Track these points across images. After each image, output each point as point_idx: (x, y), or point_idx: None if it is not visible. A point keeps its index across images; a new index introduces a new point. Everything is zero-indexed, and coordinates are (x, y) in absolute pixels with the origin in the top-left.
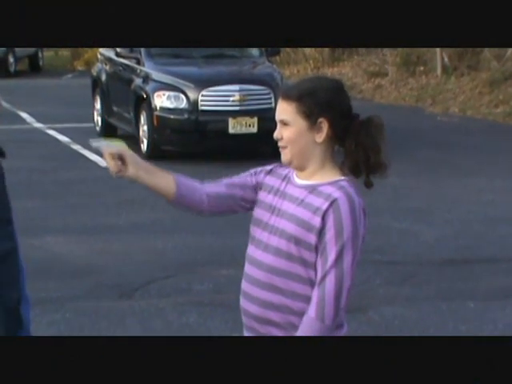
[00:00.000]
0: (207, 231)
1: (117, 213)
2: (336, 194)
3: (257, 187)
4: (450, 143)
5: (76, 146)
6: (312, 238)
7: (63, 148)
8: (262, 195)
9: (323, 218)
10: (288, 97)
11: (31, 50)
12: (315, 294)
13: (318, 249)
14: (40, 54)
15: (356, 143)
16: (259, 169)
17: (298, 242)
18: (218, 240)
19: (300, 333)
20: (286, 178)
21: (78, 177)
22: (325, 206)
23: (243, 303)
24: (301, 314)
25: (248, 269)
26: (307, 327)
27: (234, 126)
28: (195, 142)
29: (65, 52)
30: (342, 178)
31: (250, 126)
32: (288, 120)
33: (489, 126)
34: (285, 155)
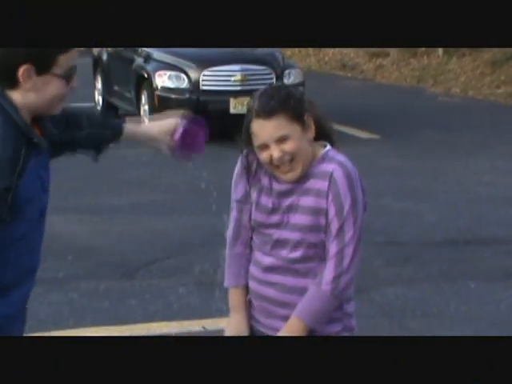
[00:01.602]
0: (208, 211)
1: (118, 193)
2: (329, 167)
3: (248, 203)
4: (451, 124)
5: None
6: (322, 220)
7: None
8: (254, 195)
9: (327, 197)
10: (271, 113)
11: None
12: (324, 264)
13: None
14: None
15: (319, 119)
16: (237, 185)
17: (313, 229)
18: (218, 220)
19: (307, 299)
20: (268, 172)
21: (78, 157)
22: (325, 186)
23: (259, 289)
24: None
25: (261, 259)
26: (307, 295)
27: (236, 106)
28: None
29: None
30: (327, 147)
31: None
32: (286, 133)
33: (490, 107)
34: (295, 169)
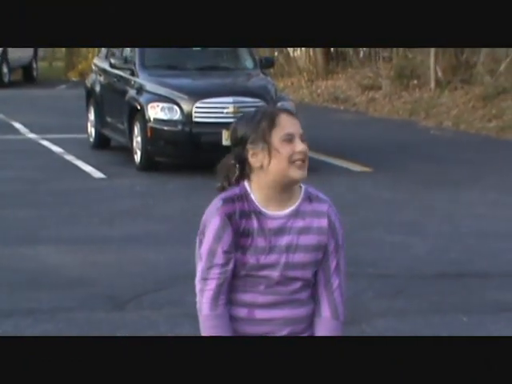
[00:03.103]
0: None
1: (110, 224)
2: (323, 207)
3: (236, 245)
4: (443, 157)
5: (69, 157)
6: (320, 256)
7: (57, 159)
8: (246, 242)
9: (326, 234)
10: (294, 114)
11: (25, 60)
12: (324, 296)
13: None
14: (34, 65)
15: None
16: (222, 237)
17: (312, 264)
18: None
19: (322, 335)
20: (253, 214)
21: (71, 187)
22: (324, 223)
23: (255, 329)
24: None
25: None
26: (327, 328)
27: (228, 138)
28: (189, 154)
29: (59, 63)
30: (302, 185)
31: None
32: (304, 134)
33: (482, 141)
34: (306, 170)
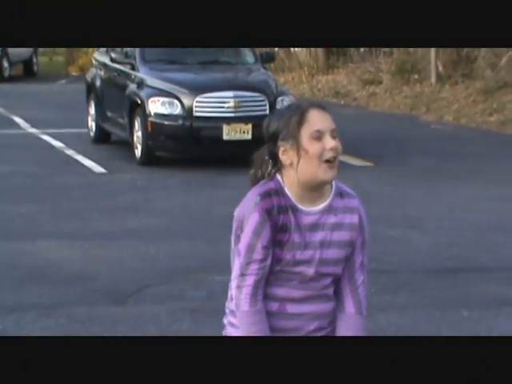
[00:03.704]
0: (201, 237)
1: (110, 219)
2: (354, 203)
3: (274, 240)
4: (444, 151)
5: (70, 152)
6: (349, 251)
7: (57, 153)
8: (283, 237)
9: (357, 230)
10: (326, 108)
11: (26, 55)
12: (348, 291)
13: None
14: (34, 59)
15: None
16: (261, 232)
17: (343, 260)
18: (212, 246)
19: (346, 330)
20: (290, 209)
21: (71, 182)
22: (355, 219)
23: (285, 324)
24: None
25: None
26: (351, 323)
27: (229, 133)
28: (189, 149)
29: (59, 57)
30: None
31: (244, 132)
32: (337, 130)
33: (483, 135)
34: (336, 169)
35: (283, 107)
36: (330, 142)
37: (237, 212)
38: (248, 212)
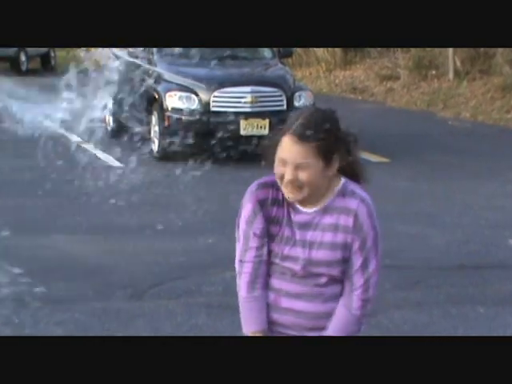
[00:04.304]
0: (217, 233)
1: (127, 213)
2: (353, 204)
3: (267, 231)
4: (461, 148)
5: (87, 145)
6: (346, 254)
7: (74, 147)
8: (274, 229)
9: (352, 233)
10: (306, 139)
11: (43, 49)
12: (345, 292)
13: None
14: (52, 53)
15: (352, 162)
16: (254, 221)
17: (339, 262)
18: (227, 242)
19: (334, 325)
20: (285, 203)
21: (88, 176)
22: (350, 222)
23: (283, 319)
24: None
25: (287, 288)
26: (337, 316)
27: (246, 128)
28: (206, 143)
29: (76, 51)
30: (343, 180)
31: (261, 127)
32: (307, 163)
33: (500, 132)
34: (299, 195)
35: (296, 113)
36: (288, 174)
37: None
38: (244, 200)
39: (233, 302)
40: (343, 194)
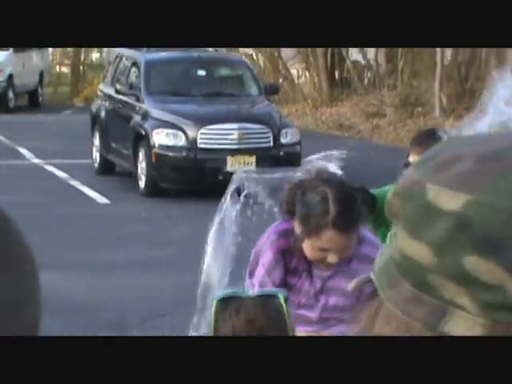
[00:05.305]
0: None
1: (114, 249)
2: (372, 252)
3: (284, 281)
4: None
5: (74, 182)
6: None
7: (61, 184)
8: (292, 280)
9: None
10: (348, 227)
11: (31, 85)
12: None
13: None
14: (40, 90)
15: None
16: (273, 271)
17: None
18: None
19: None
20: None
21: (75, 212)
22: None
23: None
24: None
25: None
26: None
27: (233, 164)
28: (193, 180)
29: (64, 88)
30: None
31: (248, 164)
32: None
33: None
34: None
35: (319, 186)
36: (333, 258)
37: (256, 247)
38: (264, 249)
39: None
40: (360, 241)
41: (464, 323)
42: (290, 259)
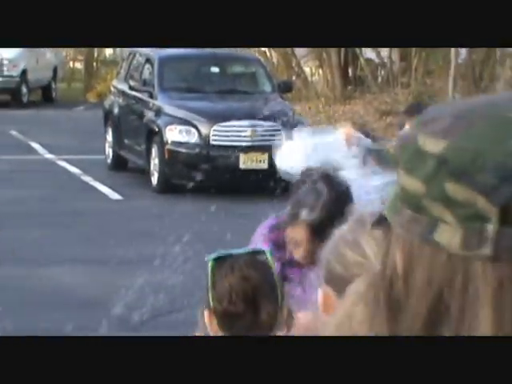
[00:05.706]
0: None
1: (126, 245)
2: None
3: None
4: None
5: (87, 178)
6: None
7: (74, 179)
8: (292, 271)
9: None
10: (323, 236)
11: (44, 81)
12: None
13: None
14: (53, 86)
15: None
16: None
17: None
18: None
19: None
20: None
21: (88, 208)
22: None
23: None
24: None
25: None
26: None
27: (245, 162)
28: (206, 177)
29: (77, 84)
30: None
31: (260, 161)
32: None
33: None
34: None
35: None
36: (297, 253)
37: (251, 242)
38: (259, 244)
39: None
40: None
41: (448, 232)
42: (283, 252)
